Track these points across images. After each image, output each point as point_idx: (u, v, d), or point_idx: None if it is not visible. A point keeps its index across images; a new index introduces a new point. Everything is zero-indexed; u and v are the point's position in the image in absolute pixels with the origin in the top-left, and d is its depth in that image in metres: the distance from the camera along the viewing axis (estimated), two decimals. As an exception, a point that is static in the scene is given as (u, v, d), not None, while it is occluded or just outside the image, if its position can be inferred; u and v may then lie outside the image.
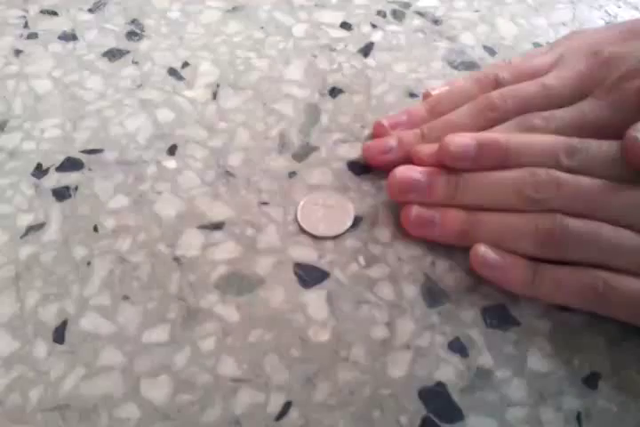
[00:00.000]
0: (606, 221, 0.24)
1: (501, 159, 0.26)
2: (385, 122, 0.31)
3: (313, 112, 0.33)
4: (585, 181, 0.25)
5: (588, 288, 0.24)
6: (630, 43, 0.29)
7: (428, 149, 0.28)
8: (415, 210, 0.27)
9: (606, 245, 0.24)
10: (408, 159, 0.28)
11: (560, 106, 0.28)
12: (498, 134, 0.27)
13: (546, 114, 0.27)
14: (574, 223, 0.24)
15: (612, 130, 0.26)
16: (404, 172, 0.27)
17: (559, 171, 0.25)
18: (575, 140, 0.26)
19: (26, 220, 0.28)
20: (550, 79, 0.29)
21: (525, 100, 0.28)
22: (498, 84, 0.30)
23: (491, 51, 0.36)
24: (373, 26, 0.38)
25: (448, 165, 0.27)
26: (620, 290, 0.24)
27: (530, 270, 0.25)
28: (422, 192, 0.27)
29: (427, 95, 0.32)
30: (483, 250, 0.26)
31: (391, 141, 0.29)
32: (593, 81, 0.28)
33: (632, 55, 0.28)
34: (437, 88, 0.32)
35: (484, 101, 0.29)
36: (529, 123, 0.27)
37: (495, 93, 0.29)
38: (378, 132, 0.31)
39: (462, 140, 0.26)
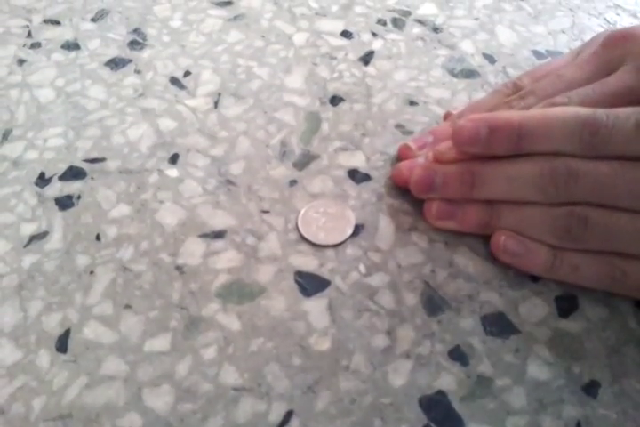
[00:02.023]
0: (629, 210, 0.24)
1: (515, 142, 0.25)
2: (412, 144, 0.30)
3: (314, 120, 0.33)
4: (604, 170, 0.24)
5: (604, 274, 0.25)
6: None
7: (445, 144, 0.28)
8: (435, 206, 0.28)
9: (624, 237, 0.24)
10: None
11: None
12: (514, 112, 0.26)
13: (568, 93, 0.27)
14: (592, 218, 0.24)
15: None
16: (419, 173, 0.28)
17: (582, 151, 0.24)
18: (600, 112, 0.24)
19: (29, 229, 0.28)
20: (565, 69, 0.29)
21: (545, 91, 0.28)
22: (518, 90, 0.30)
23: (490, 58, 0.36)
24: (374, 34, 0.38)
25: (462, 150, 0.27)
26: (635, 276, 0.25)
27: (549, 256, 0.26)
28: (440, 191, 0.27)
29: (448, 115, 0.32)
30: (503, 239, 0.26)
31: (419, 158, 0.29)
32: (613, 57, 0.27)
33: None
34: (458, 108, 0.32)
35: (505, 105, 0.29)
36: (550, 103, 0.27)
37: (514, 96, 0.29)
38: (404, 155, 0.30)
39: (473, 124, 0.26)
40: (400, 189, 0.30)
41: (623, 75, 0.26)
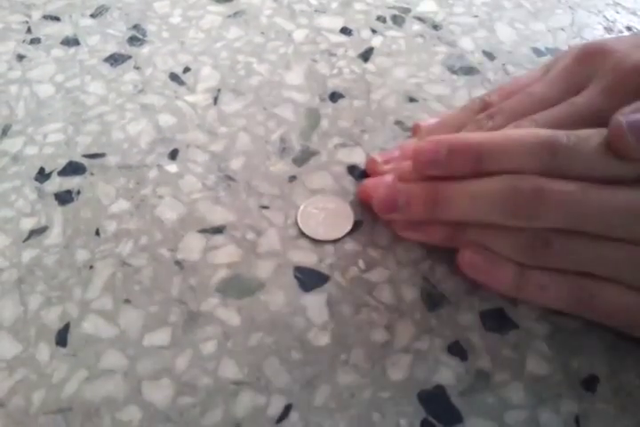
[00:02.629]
0: (594, 234, 0.23)
1: (475, 163, 0.24)
2: (377, 157, 0.30)
3: (313, 117, 0.33)
4: (569, 188, 0.23)
5: (572, 296, 0.24)
6: (623, 39, 0.27)
7: (408, 163, 0.27)
8: (402, 221, 0.27)
9: (589, 262, 0.23)
10: None
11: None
12: (473, 135, 0.26)
13: (535, 115, 0.26)
14: (555, 240, 0.23)
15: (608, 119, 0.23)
16: (382, 192, 0.27)
17: (543, 173, 0.23)
18: (560, 134, 0.23)
19: (28, 223, 0.28)
20: (534, 86, 0.28)
21: (513, 111, 0.27)
22: (487, 107, 0.29)
23: (490, 56, 0.36)
24: (373, 31, 0.38)
25: (422, 172, 0.26)
26: (602, 299, 0.23)
27: (516, 274, 0.24)
28: (403, 211, 0.26)
29: (416, 128, 0.31)
30: (468, 253, 0.25)
31: (386, 176, 0.28)
32: (584, 72, 0.26)
33: (623, 43, 0.26)
34: (427, 120, 0.32)
35: (473, 124, 0.28)
36: (516, 126, 0.26)
37: (482, 115, 0.28)
38: (370, 168, 0.30)
39: (431, 146, 0.25)
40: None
41: (591, 95, 0.25)
